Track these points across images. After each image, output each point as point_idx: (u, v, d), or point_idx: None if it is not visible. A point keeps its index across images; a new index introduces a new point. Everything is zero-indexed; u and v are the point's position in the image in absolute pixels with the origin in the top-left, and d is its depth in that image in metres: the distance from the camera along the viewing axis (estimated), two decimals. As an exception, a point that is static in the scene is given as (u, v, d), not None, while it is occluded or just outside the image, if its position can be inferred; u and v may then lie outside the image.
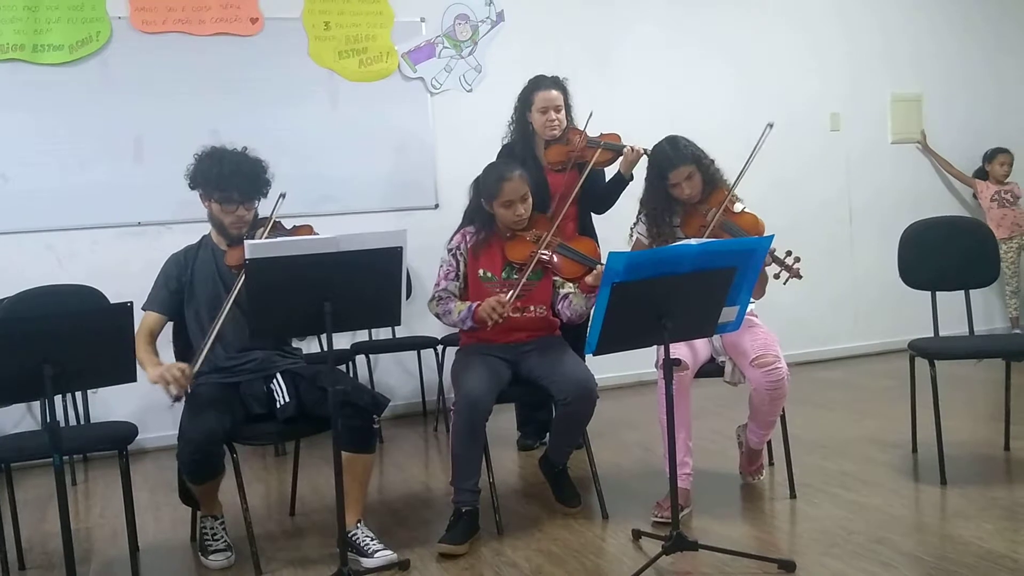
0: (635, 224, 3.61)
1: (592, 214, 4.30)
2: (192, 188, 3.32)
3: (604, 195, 4.20)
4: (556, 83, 4.16)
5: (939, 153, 6.68)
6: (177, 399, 3.06)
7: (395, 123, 5.45)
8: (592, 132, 4.09)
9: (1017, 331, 6.62)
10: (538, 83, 4.16)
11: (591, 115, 4.04)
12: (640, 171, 3.75)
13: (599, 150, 4.01)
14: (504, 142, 4.28)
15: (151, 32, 4.99)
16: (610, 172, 4.21)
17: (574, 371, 3.32)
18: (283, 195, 3.25)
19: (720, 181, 3.51)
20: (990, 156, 6.62)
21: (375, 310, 2.98)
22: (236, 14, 5.12)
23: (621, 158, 4.03)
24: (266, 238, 3.16)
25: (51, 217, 4.84)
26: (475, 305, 3.35)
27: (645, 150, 3.90)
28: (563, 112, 4.13)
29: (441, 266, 3.54)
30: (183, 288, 3.33)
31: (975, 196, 6.69)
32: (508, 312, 3.27)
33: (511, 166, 3.51)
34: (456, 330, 3.73)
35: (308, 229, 3.34)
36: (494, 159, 4.11)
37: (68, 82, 4.86)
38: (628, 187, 4.09)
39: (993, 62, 6.87)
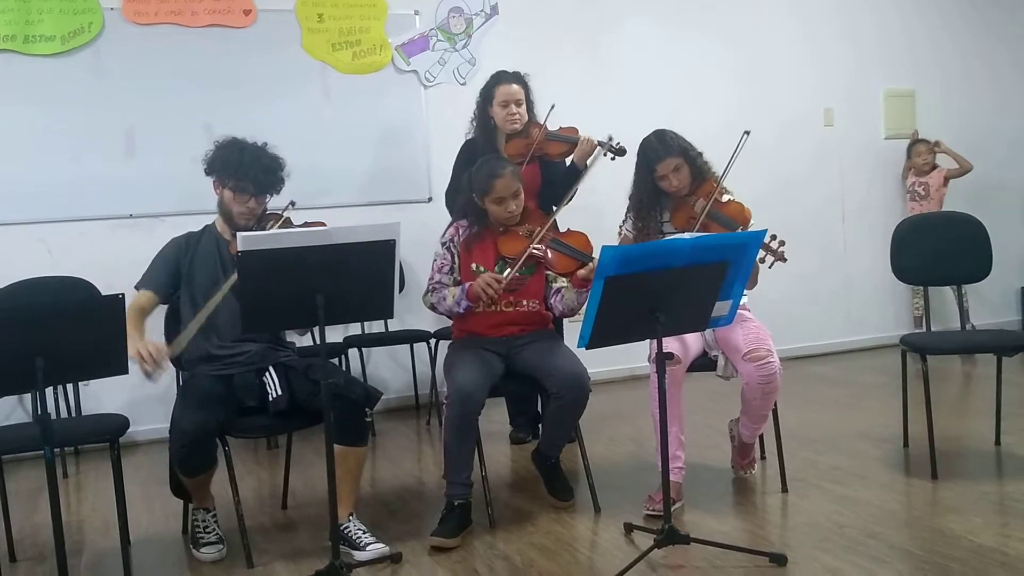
0: (623, 222, 3.62)
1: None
2: (208, 174, 3.32)
3: (561, 187, 4.18)
4: (517, 78, 4.16)
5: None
6: (148, 376, 2.98)
7: (388, 116, 5.44)
8: (553, 126, 4.12)
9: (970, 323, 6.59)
10: (499, 78, 4.17)
11: (551, 109, 4.06)
12: (628, 164, 3.74)
13: (555, 142, 4.05)
14: (467, 137, 4.29)
15: (143, 24, 4.96)
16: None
17: (567, 364, 3.32)
18: (292, 203, 3.26)
19: (708, 173, 3.52)
20: (909, 149, 6.57)
21: (368, 303, 2.97)
22: (229, 6, 5.10)
23: (576, 149, 4.05)
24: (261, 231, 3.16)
25: (43, 209, 4.82)
26: (468, 284, 3.36)
27: (600, 142, 3.95)
28: (524, 107, 4.13)
29: (435, 260, 3.54)
30: (180, 272, 3.32)
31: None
32: (502, 289, 3.29)
33: (502, 163, 3.51)
34: (449, 323, 3.73)
35: (320, 226, 3.32)
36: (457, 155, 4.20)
37: (60, 73, 4.84)
38: (623, 183, 4.08)
39: (987, 58, 6.88)
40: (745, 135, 3.38)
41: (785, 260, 3.24)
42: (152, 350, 2.98)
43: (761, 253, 3.22)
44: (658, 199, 3.52)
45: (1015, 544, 2.88)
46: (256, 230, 3.21)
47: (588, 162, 4.00)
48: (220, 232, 3.37)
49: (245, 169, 3.23)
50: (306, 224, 3.33)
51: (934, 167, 6.49)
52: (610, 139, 3.96)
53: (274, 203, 3.38)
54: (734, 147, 3.37)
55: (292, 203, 3.30)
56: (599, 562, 3.00)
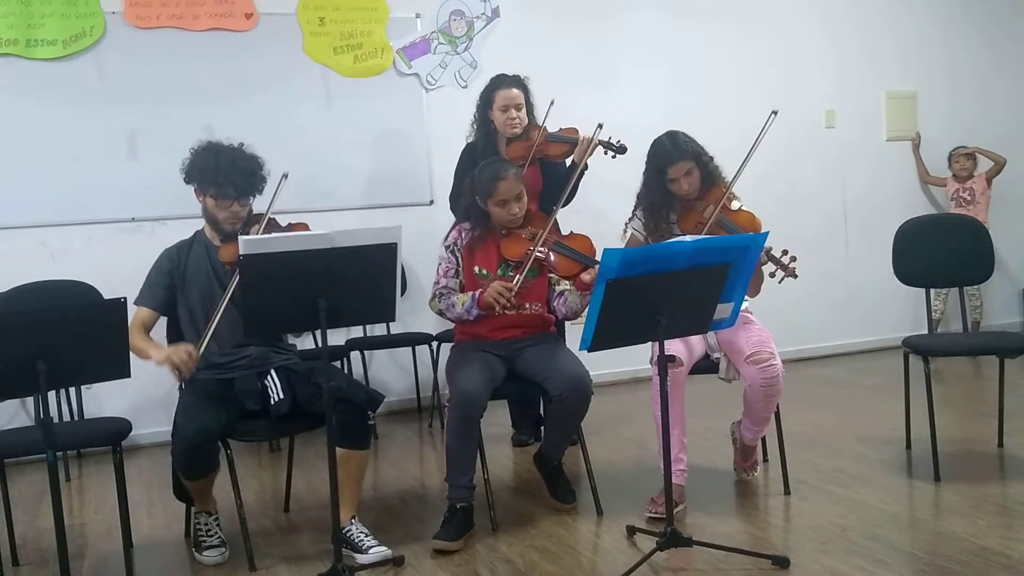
0: (630, 220, 3.61)
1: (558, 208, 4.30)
2: (187, 182, 3.30)
3: (562, 186, 4.18)
4: (517, 82, 4.18)
5: (928, 154, 6.66)
6: (184, 381, 3.08)
7: (390, 119, 5.44)
8: (553, 127, 4.12)
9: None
10: (499, 82, 4.18)
11: (551, 105, 4.06)
12: (630, 166, 3.75)
13: (555, 143, 4.06)
14: (468, 141, 4.29)
15: (145, 27, 4.97)
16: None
17: (569, 367, 3.32)
18: (285, 175, 3.17)
19: (718, 178, 3.50)
20: (949, 156, 6.59)
21: (370, 306, 2.97)
22: (230, 9, 5.11)
23: (576, 149, 4.05)
24: (261, 235, 3.15)
25: (45, 213, 4.82)
26: (479, 292, 3.36)
27: (600, 141, 3.96)
28: (524, 110, 4.15)
29: (440, 264, 3.54)
30: (175, 283, 3.31)
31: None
32: (514, 297, 3.30)
33: (505, 165, 3.51)
34: (452, 326, 3.73)
35: (303, 227, 3.33)
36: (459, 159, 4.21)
37: (61, 77, 4.84)
38: (625, 184, 4.09)
39: (989, 59, 6.87)
40: (773, 115, 3.37)
41: (796, 276, 3.21)
42: (184, 356, 3.02)
43: (771, 267, 3.21)
44: (668, 201, 3.51)
45: (1018, 546, 2.87)
46: (242, 234, 3.20)
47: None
48: (209, 239, 3.36)
49: (223, 174, 3.20)
50: (289, 226, 3.34)
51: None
52: (610, 138, 3.96)
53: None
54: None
55: (285, 175, 3.16)
56: (601, 565, 3.00)
